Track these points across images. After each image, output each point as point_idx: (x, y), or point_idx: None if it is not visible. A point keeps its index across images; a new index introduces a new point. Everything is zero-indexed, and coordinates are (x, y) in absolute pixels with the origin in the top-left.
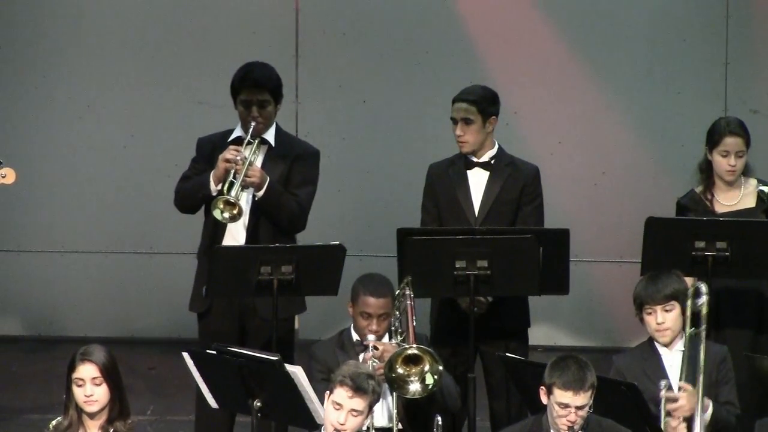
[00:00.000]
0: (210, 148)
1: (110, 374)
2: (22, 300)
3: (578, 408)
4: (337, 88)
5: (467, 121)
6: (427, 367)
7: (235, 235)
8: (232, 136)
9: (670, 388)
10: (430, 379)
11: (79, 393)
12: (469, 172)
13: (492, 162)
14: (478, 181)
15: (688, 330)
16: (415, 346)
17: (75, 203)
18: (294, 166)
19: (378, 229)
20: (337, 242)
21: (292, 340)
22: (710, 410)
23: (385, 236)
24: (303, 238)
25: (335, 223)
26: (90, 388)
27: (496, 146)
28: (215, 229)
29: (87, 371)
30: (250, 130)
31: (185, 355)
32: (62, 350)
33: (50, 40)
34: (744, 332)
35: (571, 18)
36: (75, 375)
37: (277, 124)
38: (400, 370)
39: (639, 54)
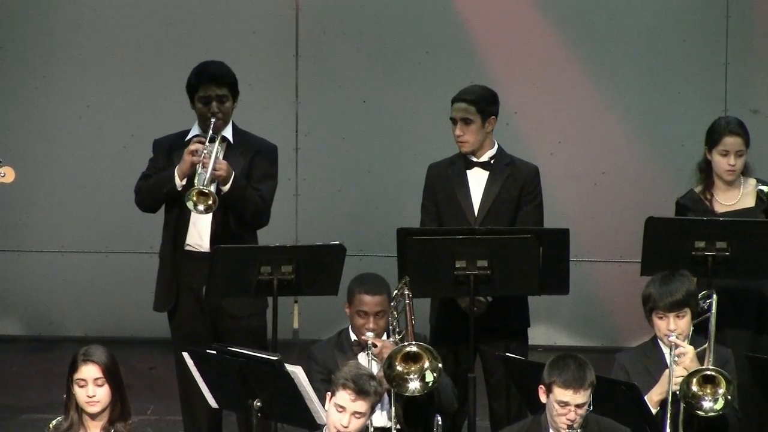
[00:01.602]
0: (168, 147)
1: (112, 375)
2: (22, 300)
3: (578, 406)
4: (337, 88)
5: (466, 121)
6: (426, 365)
7: (201, 231)
8: (190, 135)
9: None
10: (429, 377)
11: (81, 393)
12: (468, 171)
13: (491, 162)
14: (477, 180)
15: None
16: (414, 343)
17: (75, 203)
18: (254, 162)
19: (378, 229)
20: (337, 242)
21: (265, 334)
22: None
23: (385, 236)
24: (304, 238)
25: (335, 223)
26: (92, 388)
27: (496, 146)
28: (177, 227)
29: (89, 372)
30: (211, 126)
31: (185, 355)
32: (62, 350)
33: (50, 41)
34: (744, 332)
35: (572, 18)
36: (77, 376)
37: (233, 122)
38: (400, 368)
39: (639, 54)
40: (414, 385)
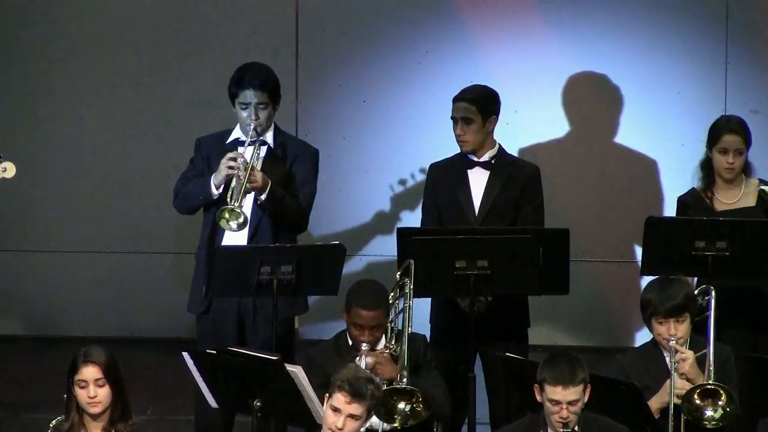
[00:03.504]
0: (207, 149)
1: (113, 375)
2: (22, 300)
3: (569, 404)
4: (337, 88)
5: (467, 121)
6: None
7: (239, 235)
8: (231, 138)
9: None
10: (418, 408)
11: (82, 394)
12: (469, 171)
13: (492, 161)
14: (478, 180)
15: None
16: (405, 385)
17: (75, 203)
18: (294, 166)
19: (378, 229)
20: (337, 242)
21: (293, 339)
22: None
23: (385, 236)
24: (303, 238)
25: (335, 223)
26: (93, 389)
27: (497, 146)
28: (214, 228)
29: (90, 373)
30: (250, 132)
31: (185, 355)
32: (62, 350)
33: (50, 40)
34: (744, 332)
35: (571, 18)
36: (78, 377)
37: (275, 125)
38: (401, 405)
39: (639, 54)
40: (401, 407)
